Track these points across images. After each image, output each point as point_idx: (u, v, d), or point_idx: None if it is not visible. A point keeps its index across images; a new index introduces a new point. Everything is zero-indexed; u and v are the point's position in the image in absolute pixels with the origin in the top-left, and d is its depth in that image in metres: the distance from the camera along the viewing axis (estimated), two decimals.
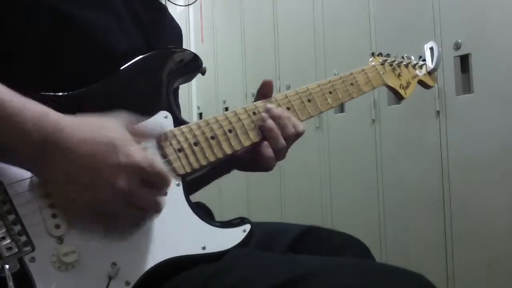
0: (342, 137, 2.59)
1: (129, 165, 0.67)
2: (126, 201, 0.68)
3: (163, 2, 1.05)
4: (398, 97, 1.17)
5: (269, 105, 0.92)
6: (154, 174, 0.70)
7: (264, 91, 0.96)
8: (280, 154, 0.92)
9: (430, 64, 1.22)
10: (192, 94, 3.80)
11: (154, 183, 0.70)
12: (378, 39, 2.40)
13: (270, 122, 0.90)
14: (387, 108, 2.38)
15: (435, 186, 2.17)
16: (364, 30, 2.45)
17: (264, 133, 0.90)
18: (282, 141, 0.90)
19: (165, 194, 0.73)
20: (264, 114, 0.91)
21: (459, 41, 2.06)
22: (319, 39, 2.73)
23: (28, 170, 0.67)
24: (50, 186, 0.68)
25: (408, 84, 1.17)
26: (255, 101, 0.95)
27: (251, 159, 0.93)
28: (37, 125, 0.64)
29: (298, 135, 0.93)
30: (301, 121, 0.96)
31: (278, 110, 0.92)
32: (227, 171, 1.04)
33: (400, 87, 1.15)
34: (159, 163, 0.73)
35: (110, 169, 0.66)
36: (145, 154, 0.71)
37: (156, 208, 0.72)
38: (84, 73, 0.79)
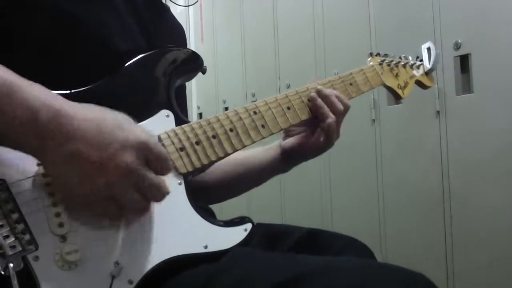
0: (342, 137, 2.58)
1: (135, 141, 0.67)
2: (131, 181, 0.67)
3: (164, 2, 1.05)
4: (396, 97, 1.18)
5: (319, 86, 1.00)
6: (158, 154, 0.70)
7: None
8: (331, 131, 1.00)
9: (427, 65, 1.22)
10: (192, 94, 3.80)
11: (157, 164, 0.70)
12: (378, 39, 2.40)
13: (320, 101, 0.98)
14: (387, 108, 2.38)
15: (435, 186, 2.17)
16: (364, 30, 2.46)
17: (314, 111, 0.98)
18: (331, 116, 0.98)
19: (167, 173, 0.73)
20: (313, 94, 0.98)
21: (459, 41, 2.06)
22: (319, 39, 2.74)
23: (32, 153, 0.66)
24: (53, 171, 0.66)
25: (406, 84, 1.18)
26: None
27: (303, 146, 1.03)
28: (46, 104, 0.64)
29: (346, 110, 1.02)
30: (301, 120, 0.98)
31: (327, 90, 0.99)
32: (281, 167, 1.09)
33: (398, 87, 1.16)
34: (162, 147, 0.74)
35: (117, 144, 0.66)
36: (150, 134, 0.71)
37: (159, 192, 0.71)
38: (84, 71, 0.79)
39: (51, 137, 0.64)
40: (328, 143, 1.02)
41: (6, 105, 0.63)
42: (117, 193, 0.67)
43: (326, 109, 0.99)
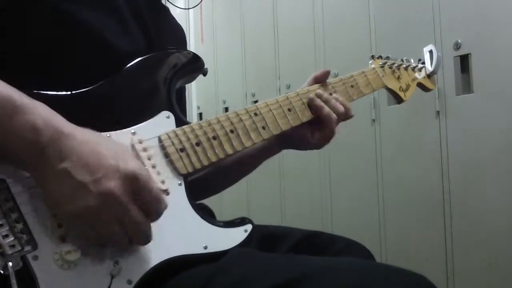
0: (342, 137, 2.58)
1: (126, 171, 0.66)
2: (112, 210, 0.65)
3: (164, 3, 1.06)
4: (397, 99, 1.18)
5: (319, 91, 1.00)
6: (148, 189, 0.68)
7: (320, 79, 1.04)
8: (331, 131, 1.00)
9: (429, 67, 1.23)
10: (192, 94, 3.81)
11: (145, 201, 0.68)
12: (378, 39, 2.40)
13: (319, 101, 0.98)
14: (387, 108, 2.39)
15: (435, 186, 2.17)
16: (364, 30, 2.46)
17: (315, 111, 0.98)
18: (333, 115, 0.99)
19: (156, 218, 0.70)
20: (312, 95, 0.99)
21: (459, 41, 2.06)
22: (319, 39, 2.74)
23: (23, 167, 0.67)
24: (40, 185, 0.66)
25: (408, 86, 1.18)
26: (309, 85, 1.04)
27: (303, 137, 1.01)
28: (48, 123, 0.65)
29: (347, 114, 1.02)
30: (302, 122, 0.98)
31: (327, 95, 1.00)
32: (276, 151, 1.08)
33: (399, 90, 1.16)
34: (157, 186, 0.71)
35: (106, 170, 0.65)
36: (145, 169, 0.70)
37: (140, 231, 0.68)
38: (84, 73, 0.79)
39: (47, 156, 0.64)
40: (324, 142, 1.02)
41: (8, 122, 0.63)
42: (96, 220, 0.65)
43: (326, 108, 0.98)
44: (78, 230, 0.67)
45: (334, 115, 0.99)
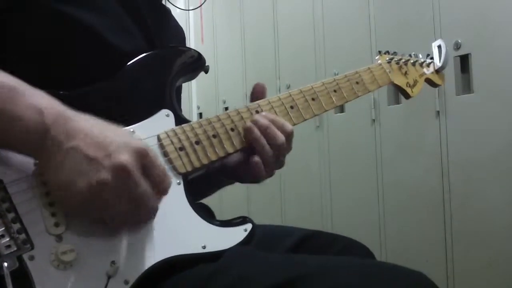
0: (342, 137, 2.59)
1: (135, 145, 0.68)
2: (124, 185, 0.66)
3: (165, 3, 1.05)
4: (405, 95, 1.16)
5: (256, 116, 0.88)
6: (156, 165, 0.70)
7: (257, 95, 0.95)
8: (272, 164, 0.89)
9: (438, 63, 1.20)
10: (192, 94, 3.81)
11: (154, 177, 0.69)
12: (378, 39, 2.40)
13: (257, 132, 0.87)
14: (387, 108, 2.38)
15: (435, 186, 2.17)
16: (364, 30, 2.46)
17: (251, 144, 0.87)
18: (269, 150, 0.87)
19: (163, 194, 0.72)
20: (250, 124, 0.87)
21: (459, 41, 2.06)
22: (319, 39, 2.73)
23: (30, 152, 0.67)
24: (48, 172, 0.66)
25: (415, 82, 1.15)
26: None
27: (243, 169, 0.92)
28: (51, 105, 0.66)
29: (289, 137, 0.89)
30: (305, 119, 0.96)
31: (264, 121, 0.88)
32: (226, 184, 1.04)
33: (407, 86, 1.14)
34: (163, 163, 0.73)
35: (116, 145, 0.66)
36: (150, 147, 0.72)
37: (151, 206, 0.70)
38: (84, 72, 0.79)
39: (54, 136, 0.65)
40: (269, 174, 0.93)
41: (12, 107, 0.64)
42: (107, 195, 0.65)
43: (263, 141, 0.87)
44: (86, 213, 0.67)
45: (270, 151, 0.88)
